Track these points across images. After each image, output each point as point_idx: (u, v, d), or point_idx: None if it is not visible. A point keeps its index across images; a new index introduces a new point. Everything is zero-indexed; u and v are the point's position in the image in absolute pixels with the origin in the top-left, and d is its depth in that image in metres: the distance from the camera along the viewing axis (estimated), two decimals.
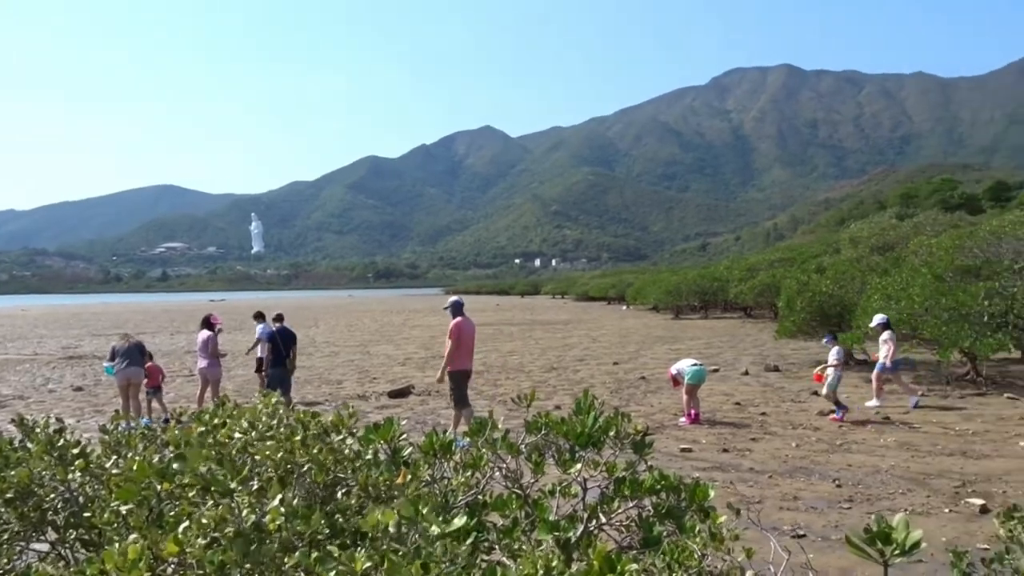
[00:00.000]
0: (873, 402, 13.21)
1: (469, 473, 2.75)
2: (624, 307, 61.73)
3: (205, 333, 13.26)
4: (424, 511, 1.78)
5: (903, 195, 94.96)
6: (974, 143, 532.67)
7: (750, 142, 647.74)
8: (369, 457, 2.33)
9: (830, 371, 12.23)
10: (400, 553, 1.81)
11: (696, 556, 2.05)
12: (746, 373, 18.02)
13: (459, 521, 1.81)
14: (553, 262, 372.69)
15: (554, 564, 1.84)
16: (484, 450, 2.80)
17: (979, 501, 7.36)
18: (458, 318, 10.61)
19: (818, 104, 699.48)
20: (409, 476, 2.24)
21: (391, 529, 1.76)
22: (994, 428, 11.13)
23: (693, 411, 12.06)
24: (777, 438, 10.80)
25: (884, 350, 13.50)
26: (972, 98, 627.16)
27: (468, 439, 2.93)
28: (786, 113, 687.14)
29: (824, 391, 12.32)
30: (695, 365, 12.20)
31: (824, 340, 13.45)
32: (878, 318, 14.12)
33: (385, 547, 1.84)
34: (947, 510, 7.24)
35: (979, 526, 6.65)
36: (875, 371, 13.58)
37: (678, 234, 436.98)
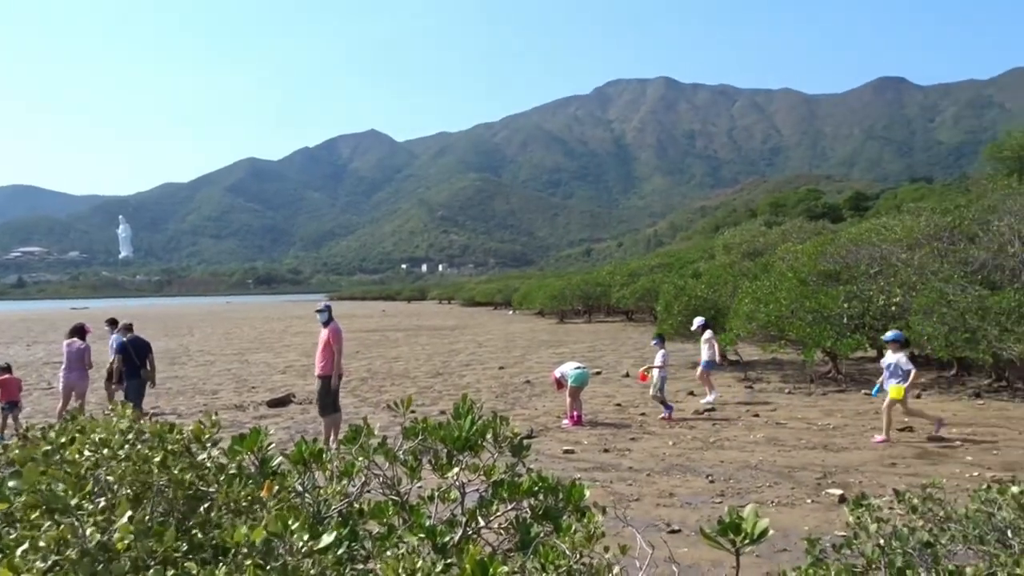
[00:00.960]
0: (708, 398, 13.84)
1: (344, 482, 2.68)
2: (510, 312, 62.25)
3: (78, 342, 12.50)
4: (293, 526, 1.71)
5: (772, 204, 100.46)
6: (835, 156, 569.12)
7: (631, 151, 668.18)
8: (232, 470, 2.23)
9: (655, 372, 12.66)
10: (267, 568, 1.74)
11: (566, 555, 2.07)
12: (627, 375, 18.53)
13: (328, 538, 1.75)
14: (440, 267, 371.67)
15: (419, 567, 1.82)
16: (359, 457, 2.74)
17: (838, 491, 7.84)
18: (334, 323, 10.57)
19: (695, 116, 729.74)
20: (276, 488, 2.16)
21: (258, 544, 1.68)
22: (852, 422, 11.89)
23: (576, 413, 12.27)
24: (655, 437, 11.15)
25: (706, 349, 14.24)
26: (834, 114, 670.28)
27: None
28: (665, 124, 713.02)
29: (651, 392, 12.77)
30: (578, 368, 12.43)
31: (652, 342, 13.77)
32: (698, 320, 14.90)
33: (249, 562, 1.76)
34: (809, 501, 7.67)
35: (837, 515, 7.08)
36: (700, 369, 14.25)
37: (563, 240, 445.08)
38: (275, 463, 2.47)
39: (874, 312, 16.25)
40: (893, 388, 10.34)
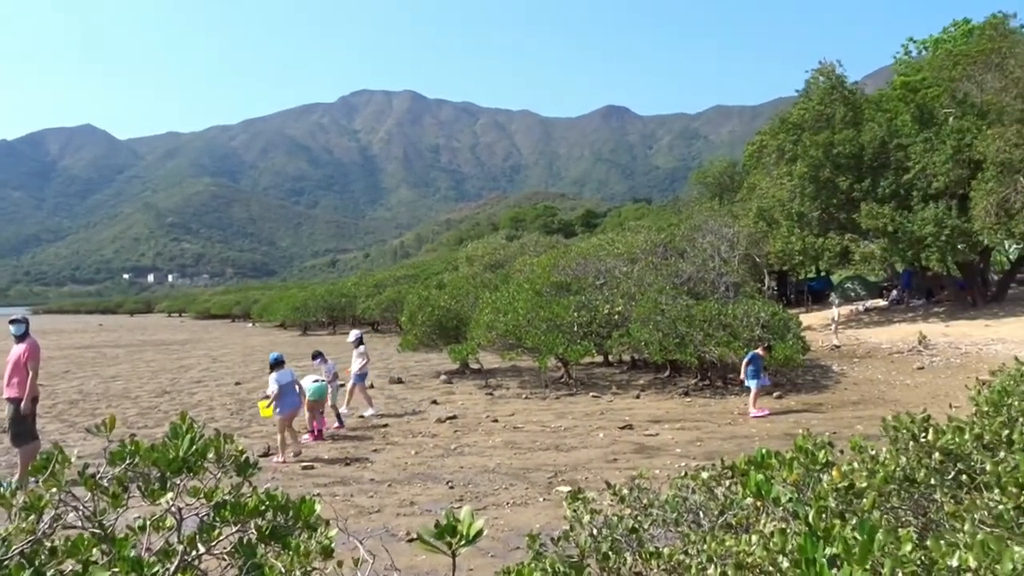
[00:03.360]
0: (370, 411, 14.07)
1: (31, 518, 2.35)
2: (250, 324, 59.29)
3: None
4: None
5: (512, 218, 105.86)
6: (569, 176, 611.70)
7: (378, 162, 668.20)
8: None
9: (329, 387, 12.43)
10: None
11: (280, 574, 1.98)
12: (371, 386, 18.33)
13: None
14: (170, 278, 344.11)
15: None
16: (49, 488, 2.41)
17: (567, 488, 8.35)
18: (31, 338, 9.27)
19: (440, 131, 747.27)
20: None
21: None
22: (581, 423, 12.75)
23: (316, 427, 11.95)
24: (398, 447, 11.16)
25: (357, 363, 14.56)
26: (567, 136, 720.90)
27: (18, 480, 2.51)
28: (411, 137, 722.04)
29: (333, 403, 12.81)
30: (316, 381, 12.11)
31: (315, 361, 13.53)
32: (354, 333, 15.25)
33: None
34: (542, 499, 8.10)
35: (565, 511, 7.54)
36: (350, 383, 14.45)
37: (307, 250, 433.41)
38: None
39: (600, 320, 17.63)
40: (261, 405, 11.01)
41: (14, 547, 2.18)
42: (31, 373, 9.02)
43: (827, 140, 25.90)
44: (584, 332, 17.46)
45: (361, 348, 14.57)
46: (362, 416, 13.87)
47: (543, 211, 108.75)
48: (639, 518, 2.56)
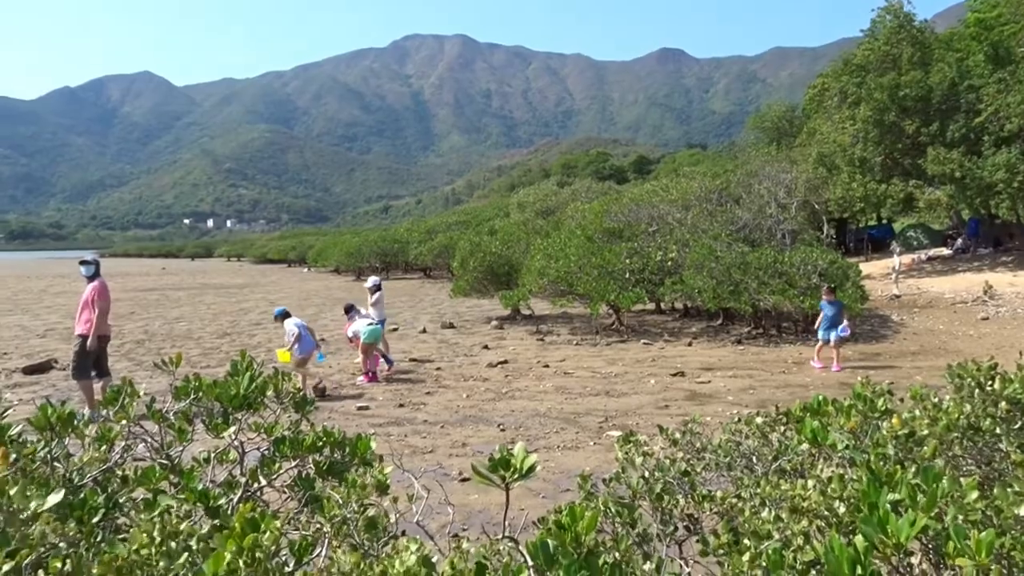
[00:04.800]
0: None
1: (103, 448, 2.46)
2: (305, 269, 60.39)
3: None
4: (13, 491, 1.52)
5: (564, 165, 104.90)
6: (622, 121, 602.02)
7: (429, 108, 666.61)
8: None
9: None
10: None
11: (340, 505, 2.03)
12: (424, 331, 18.61)
13: (55, 497, 1.58)
14: (228, 223, 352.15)
15: (183, 528, 1.70)
16: (119, 420, 2.51)
17: (617, 433, 8.39)
18: (100, 278, 9.61)
19: (491, 76, 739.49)
20: (12, 456, 1.92)
21: None
22: (632, 370, 12.75)
23: (370, 370, 12.18)
24: (450, 390, 11.33)
25: (376, 310, 14.25)
26: (621, 80, 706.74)
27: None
28: (462, 82, 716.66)
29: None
30: (371, 324, 12.31)
31: (349, 314, 12.96)
32: (372, 280, 14.59)
33: None
34: (592, 443, 8.16)
35: (616, 455, 7.59)
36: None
37: (360, 196, 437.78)
38: (14, 431, 2.20)
39: (652, 267, 17.46)
40: (280, 352, 11.25)
41: (88, 474, 2.28)
42: (97, 311, 9.34)
43: (893, 82, 24.84)
44: (636, 279, 17.32)
45: (379, 295, 14.09)
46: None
47: (595, 157, 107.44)
48: (691, 462, 2.55)
